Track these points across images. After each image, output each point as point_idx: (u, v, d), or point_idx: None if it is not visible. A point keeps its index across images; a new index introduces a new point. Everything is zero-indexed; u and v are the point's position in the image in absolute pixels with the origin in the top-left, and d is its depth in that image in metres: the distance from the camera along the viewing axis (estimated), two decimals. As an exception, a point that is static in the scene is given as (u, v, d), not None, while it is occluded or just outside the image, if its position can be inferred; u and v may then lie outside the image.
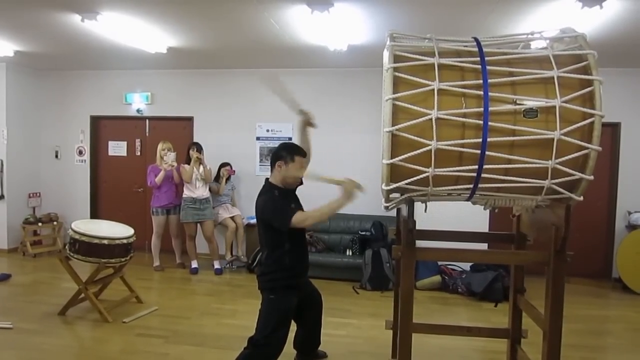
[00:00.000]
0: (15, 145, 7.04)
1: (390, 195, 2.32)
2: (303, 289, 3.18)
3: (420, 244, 2.40)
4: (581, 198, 2.13)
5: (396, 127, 2.03)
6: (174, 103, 7.09)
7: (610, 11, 3.96)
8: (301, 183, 3.13)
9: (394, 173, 2.12)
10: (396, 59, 2.12)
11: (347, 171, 6.28)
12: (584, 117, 2.01)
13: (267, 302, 2.98)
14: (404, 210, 2.45)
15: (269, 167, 3.11)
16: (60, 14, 4.47)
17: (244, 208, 6.56)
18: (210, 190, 6.31)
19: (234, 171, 6.44)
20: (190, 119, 7.07)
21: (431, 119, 2.02)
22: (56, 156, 7.48)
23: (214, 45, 5.58)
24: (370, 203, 6.14)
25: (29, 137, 7.31)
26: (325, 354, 3.56)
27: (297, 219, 2.80)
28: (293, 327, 3.30)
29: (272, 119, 6.80)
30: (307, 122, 3.20)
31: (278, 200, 2.96)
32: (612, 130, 6.07)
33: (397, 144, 2.06)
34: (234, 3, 4.09)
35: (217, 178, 6.40)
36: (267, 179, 3.10)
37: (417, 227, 2.34)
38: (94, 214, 7.37)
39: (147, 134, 7.31)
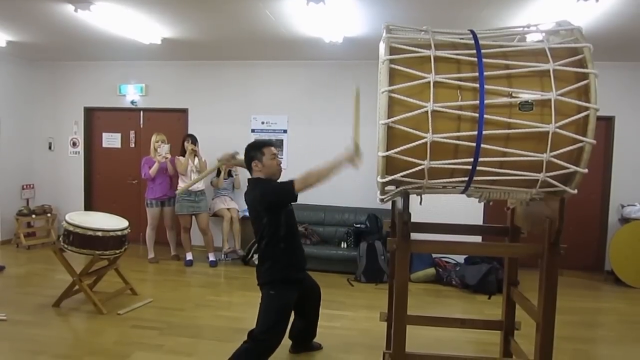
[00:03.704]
0: (8, 137, 6.99)
1: (386, 188, 2.32)
2: (303, 283, 3.21)
3: (415, 236, 2.40)
4: (575, 191, 2.13)
5: (392, 119, 2.03)
6: (169, 95, 7.05)
7: (606, 4, 3.96)
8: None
9: (390, 165, 2.12)
10: (392, 51, 2.11)
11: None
12: (579, 110, 2.01)
13: (267, 297, 2.98)
14: (399, 203, 2.44)
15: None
16: (53, 4, 4.42)
17: (240, 201, 6.55)
18: (211, 183, 6.43)
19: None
20: (184, 111, 7.04)
21: (427, 112, 2.02)
22: (50, 148, 7.43)
23: (209, 37, 5.54)
24: (365, 196, 6.18)
25: (22, 129, 7.26)
26: (320, 346, 3.58)
27: (299, 182, 2.80)
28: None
29: (267, 111, 6.78)
30: (351, 159, 2.78)
31: (273, 182, 3.03)
32: (606, 124, 6.09)
33: (392, 137, 2.06)
34: (229, -6, 4.07)
35: (219, 173, 6.42)
36: (249, 178, 3.13)
37: (412, 220, 2.34)
38: (88, 206, 7.34)
39: (141, 126, 7.26)
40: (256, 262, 3.24)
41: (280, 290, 2.98)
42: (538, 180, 2.11)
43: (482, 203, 2.56)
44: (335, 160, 2.79)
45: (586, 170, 2.05)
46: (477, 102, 2.02)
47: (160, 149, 6.03)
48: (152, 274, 5.74)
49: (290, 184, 2.83)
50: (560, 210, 2.15)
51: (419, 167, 2.09)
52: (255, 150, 3.08)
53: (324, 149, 6.47)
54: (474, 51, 2.11)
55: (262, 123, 6.78)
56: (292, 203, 3.18)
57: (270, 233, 2.99)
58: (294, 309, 3.16)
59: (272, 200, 2.95)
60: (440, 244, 2.74)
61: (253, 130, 6.79)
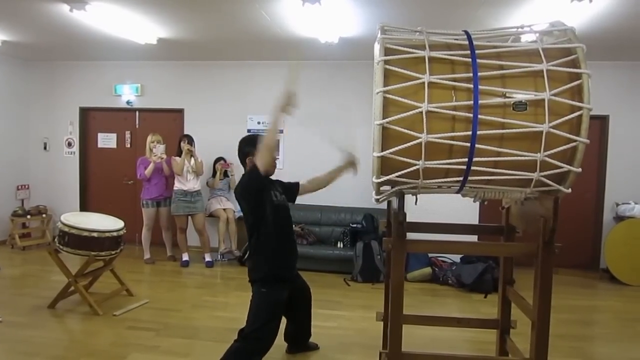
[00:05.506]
0: (3, 137, 6.96)
1: (381, 188, 2.32)
2: (293, 282, 3.20)
3: (410, 236, 2.40)
4: (569, 190, 2.15)
5: (387, 119, 2.03)
6: (164, 95, 7.04)
7: (600, 5, 3.98)
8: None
9: (385, 166, 2.12)
10: (387, 51, 2.11)
11: (337, 163, 6.31)
12: (573, 110, 2.02)
13: (258, 295, 2.96)
14: (395, 203, 2.45)
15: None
16: (48, 3, 4.41)
17: (236, 202, 6.53)
18: (207, 183, 6.43)
19: (229, 164, 6.42)
20: (180, 111, 7.03)
21: (422, 112, 2.03)
22: (45, 148, 7.40)
23: (205, 37, 5.54)
24: (361, 196, 6.18)
25: (17, 129, 7.23)
26: (317, 346, 3.58)
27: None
28: (284, 319, 3.32)
29: (263, 111, 6.76)
30: (351, 164, 3.25)
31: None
32: (600, 123, 6.12)
33: (387, 137, 2.06)
34: (224, -6, 4.06)
35: (215, 173, 6.41)
36: (244, 175, 3.09)
37: (408, 220, 2.34)
38: (84, 207, 7.32)
39: (137, 126, 7.25)
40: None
41: (271, 288, 2.95)
42: (532, 179, 2.12)
43: (477, 202, 2.57)
44: (336, 167, 3.19)
45: (580, 170, 2.07)
46: (472, 102, 2.03)
47: (156, 150, 6.02)
48: (148, 275, 5.73)
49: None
50: (555, 209, 2.17)
51: (414, 167, 2.10)
52: (250, 145, 3.04)
53: (319, 148, 6.49)
54: (468, 52, 2.12)
55: (258, 123, 6.77)
56: (290, 203, 3.20)
57: (257, 227, 2.96)
58: (284, 312, 3.15)
59: (248, 190, 2.97)
60: (436, 243, 2.75)
61: (249, 131, 6.77)
